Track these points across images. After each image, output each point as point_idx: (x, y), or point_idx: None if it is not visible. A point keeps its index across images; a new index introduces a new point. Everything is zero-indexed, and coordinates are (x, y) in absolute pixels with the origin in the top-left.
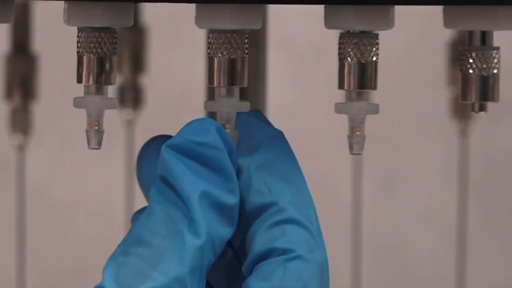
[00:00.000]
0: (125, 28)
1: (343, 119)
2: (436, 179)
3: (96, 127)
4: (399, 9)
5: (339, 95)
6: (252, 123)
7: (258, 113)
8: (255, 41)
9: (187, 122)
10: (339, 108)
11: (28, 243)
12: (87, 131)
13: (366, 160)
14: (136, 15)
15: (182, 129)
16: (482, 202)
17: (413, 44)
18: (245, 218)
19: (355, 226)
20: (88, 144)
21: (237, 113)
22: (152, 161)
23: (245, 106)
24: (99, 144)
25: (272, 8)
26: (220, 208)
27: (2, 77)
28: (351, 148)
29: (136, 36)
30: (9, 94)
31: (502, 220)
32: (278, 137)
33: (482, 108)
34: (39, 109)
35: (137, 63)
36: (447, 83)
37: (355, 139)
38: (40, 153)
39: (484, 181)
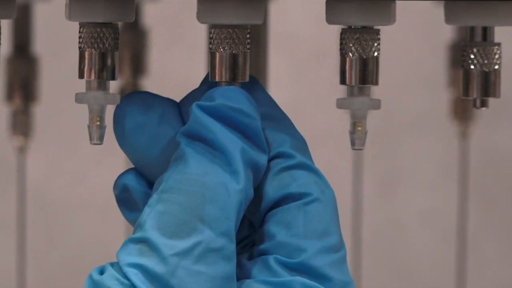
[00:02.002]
0: (125, 30)
1: (344, 118)
2: (436, 179)
3: (98, 123)
4: (400, 10)
5: (341, 94)
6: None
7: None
8: (256, 39)
9: None
10: (340, 103)
11: (29, 244)
12: (89, 127)
13: (366, 160)
14: (136, 16)
15: (211, 93)
16: (482, 202)
17: (414, 44)
18: None
19: (355, 226)
20: (90, 139)
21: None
22: (137, 117)
23: None
24: (101, 139)
25: (273, 7)
26: (252, 167)
27: (3, 79)
28: (352, 143)
29: (137, 37)
30: (9, 96)
31: (502, 220)
32: (255, 83)
33: (483, 104)
34: (40, 111)
35: (138, 65)
36: (448, 84)
37: (357, 135)
38: (41, 155)
39: (484, 181)
